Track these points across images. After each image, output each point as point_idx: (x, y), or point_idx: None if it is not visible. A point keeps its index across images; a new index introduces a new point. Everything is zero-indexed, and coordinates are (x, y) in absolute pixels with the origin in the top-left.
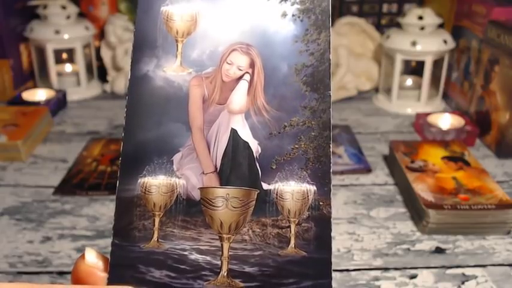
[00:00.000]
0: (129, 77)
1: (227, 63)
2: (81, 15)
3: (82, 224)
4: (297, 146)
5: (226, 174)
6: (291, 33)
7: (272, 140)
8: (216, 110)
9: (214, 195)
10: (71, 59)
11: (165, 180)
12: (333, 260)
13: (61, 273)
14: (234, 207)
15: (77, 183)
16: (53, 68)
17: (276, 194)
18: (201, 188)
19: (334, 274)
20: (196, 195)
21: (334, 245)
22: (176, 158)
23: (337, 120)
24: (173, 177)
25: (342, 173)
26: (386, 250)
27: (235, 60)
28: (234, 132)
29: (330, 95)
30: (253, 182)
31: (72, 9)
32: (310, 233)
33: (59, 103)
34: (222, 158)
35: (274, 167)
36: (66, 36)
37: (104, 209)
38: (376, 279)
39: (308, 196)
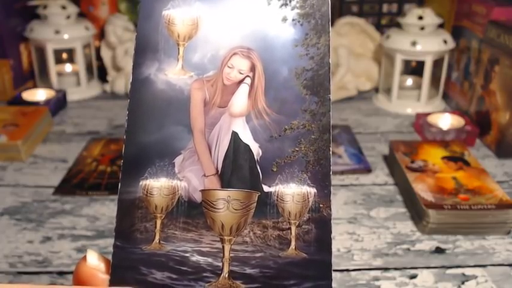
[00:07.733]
0: (130, 80)
1: (228, 66)
2: (81, 15)
3: (82, 224)
4: (297, 148)
5: (227, 177)
6: (291, 37)
7: (273, 143)
8: (217, 113)
9: (215, 197)
10: (71, 59)
11: (167, 183)
12: (333, 260)
13: (61, 273)
14: (235, 209)
15: (77, 183)
16: (53, 68)
17: (277, 196)
18: (202, 190)
19: (334, 274)
20: (197, 197)
21: (334, 245)
22: (178, 160)
23: (337, 120)
24: (175, 180)
25: (342, 173)
26: (386, 250)
27: (236, 64)
28: (235, 135)
29: (330, 99)
30: (254, 185)
31: (72, 9)
32: (311, 235)
33: (59, 103)
34: (223, 160)
35: (274, 170)
36: (66, 36)
37: (104, 209)
38: (376, 279)
39: (308, 198)
